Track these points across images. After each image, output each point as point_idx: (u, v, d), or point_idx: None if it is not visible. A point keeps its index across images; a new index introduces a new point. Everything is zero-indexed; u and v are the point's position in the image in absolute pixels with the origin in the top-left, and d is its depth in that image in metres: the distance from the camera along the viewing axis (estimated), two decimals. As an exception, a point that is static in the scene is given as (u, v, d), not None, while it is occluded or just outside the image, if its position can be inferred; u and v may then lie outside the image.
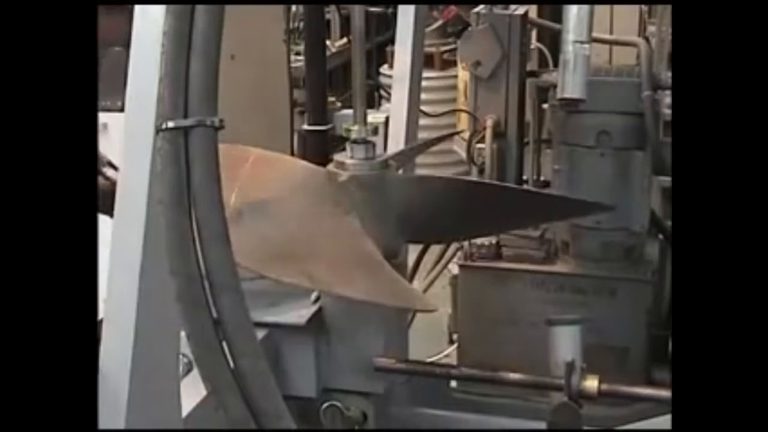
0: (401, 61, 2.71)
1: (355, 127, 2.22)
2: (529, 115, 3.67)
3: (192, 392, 1.73)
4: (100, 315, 1.50)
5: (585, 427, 2.11)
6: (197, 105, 1.39)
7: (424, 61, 2.85)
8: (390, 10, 6.11)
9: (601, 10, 4.63)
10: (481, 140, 3.62)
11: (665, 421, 2.10)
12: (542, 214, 2.56)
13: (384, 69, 6.64)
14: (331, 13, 6.66)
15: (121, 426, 1.50)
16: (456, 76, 5.35)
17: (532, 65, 4.16)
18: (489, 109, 3.61)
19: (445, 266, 3.97)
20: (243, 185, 2.17)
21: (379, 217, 2.18)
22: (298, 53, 5.01)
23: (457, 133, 4.00)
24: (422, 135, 2.85)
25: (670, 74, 3.29)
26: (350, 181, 2.17)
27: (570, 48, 2.07)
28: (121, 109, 1.51)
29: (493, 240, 3.41)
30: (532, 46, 4.32)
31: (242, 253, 1.47)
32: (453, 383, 2.74)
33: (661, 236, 3.45)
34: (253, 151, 2.34)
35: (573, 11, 2.08)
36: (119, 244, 1.52)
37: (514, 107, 3.61)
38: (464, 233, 2.81)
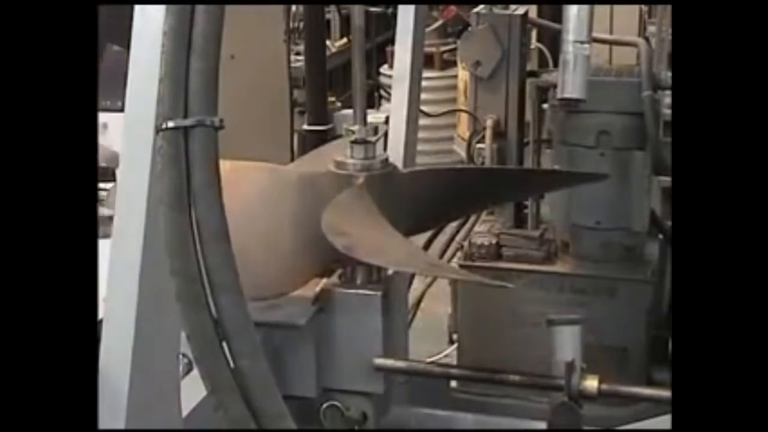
0: (401, 61, 2.71)
1: (355, 127, 2.22)
2: (529, 115, 3.67)
3: (192, 392, 1.73)
4: (100, 315, 1.50)
5: (585, 427, 2.11)
6: (197, 105, 1.39)
7: (424, 61, 2.84)
8: (390, 10, 6.11)
9: (601, 10, 4.62)
10: (481, 140, 3.62)
11: (665, 421, 2.10)
12: (535, 186, 2.74)
13: (384, 69, 6.65)
14: (331, 13, 6.67)
15: (121, 426, 1.50)
16: (456, 76, 5.35)
17: (532, 65, 4.16)
18: (489, 109, 3.61)
19: (445, 266, 3.96)
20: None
21: (391, 214, 2.18)
22: (298, 53, 5.02)
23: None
24: (422, 135, 2.85)
25: (670, 74, 3.29)
26: (368, 182, 2.17)
27: (570, 48, 2.07)
28: (121, 109, 1.51)
29: (493, 240, 3.41)
30: (532, 46, 4.32)
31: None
32: (453, 383, 2.73)
33: (661, 236, 3.45)
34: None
35: (573, 11, 2.08)
36: (119, 244, 1.52)
37: (514, 107, 3.61)
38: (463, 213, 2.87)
